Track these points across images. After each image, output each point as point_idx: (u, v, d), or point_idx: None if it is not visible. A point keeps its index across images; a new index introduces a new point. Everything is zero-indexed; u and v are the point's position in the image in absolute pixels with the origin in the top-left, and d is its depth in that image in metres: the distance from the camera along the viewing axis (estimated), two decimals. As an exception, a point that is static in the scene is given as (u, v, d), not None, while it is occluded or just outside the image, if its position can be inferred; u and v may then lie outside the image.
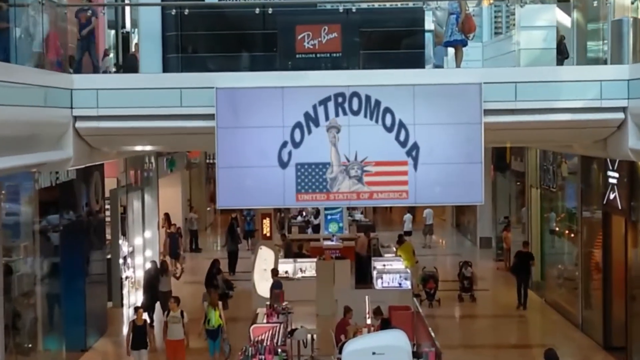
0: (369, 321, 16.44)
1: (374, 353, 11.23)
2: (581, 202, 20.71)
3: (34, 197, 16.49)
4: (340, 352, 13.51)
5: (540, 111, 12.79)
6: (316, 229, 31.73)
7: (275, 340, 15.52)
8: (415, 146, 12.54)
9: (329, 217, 29.86)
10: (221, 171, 12.61)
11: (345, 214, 30.74)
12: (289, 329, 17.32)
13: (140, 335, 16.78)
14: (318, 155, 12.58)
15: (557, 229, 23.41)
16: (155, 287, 21.17)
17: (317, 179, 12.62)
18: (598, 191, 19.33)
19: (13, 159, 11.06)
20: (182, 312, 17.02)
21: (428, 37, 15.37)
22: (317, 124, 12.55)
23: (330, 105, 12.52)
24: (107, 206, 22.75)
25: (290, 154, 12.59)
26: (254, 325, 17.00)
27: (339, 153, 12.59)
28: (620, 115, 12.81)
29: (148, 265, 22.78)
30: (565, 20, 15.57)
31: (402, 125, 12.53)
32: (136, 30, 15.97)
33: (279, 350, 15.01)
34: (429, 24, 15.69)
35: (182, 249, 28.09)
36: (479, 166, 12.62)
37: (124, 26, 19.95)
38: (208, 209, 39.79)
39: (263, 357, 14.45)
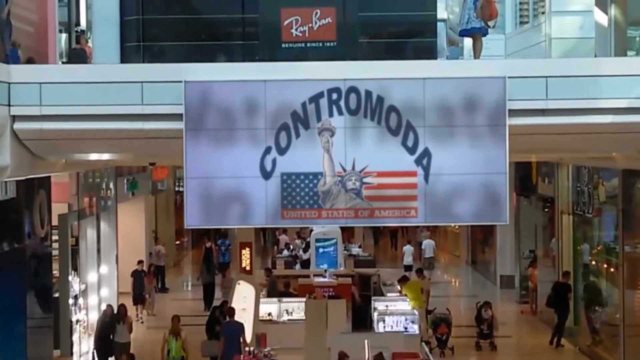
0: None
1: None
2: (623, 229, 20.28)
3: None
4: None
5: (577, 112, 12.42)
6: (305, 264, 31.01)
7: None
8: (427, 153, 12.17)
9: (320, 250, 29.34)
10: (190, 182, 12.21)
11: (341, 248, 30.23)
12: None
13: None
14: (308, 163, 12.19)
15: (593, 262, 22.96)
16: (109, 337, 20.32)
17: (307, 193, 12.22)
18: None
19: None
20: None
21: (441, 26, 15.05)
22: (307, 126, 12.16)
23: (323, 103, 12.13)
24: (54, 236, 22.27)
25: (274, 162, 12.20)
26: (230, 376, 16.50)
27: (333, 161, 12.19)
28: (670, 117, 12.49)
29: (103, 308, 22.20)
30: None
31: (410, 127, 12.15)
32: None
33: (260, 403, 14.50)
34: (441, 12, 15.36)
35: (148, 292, 27.34)
36: (503, 177, 12.24)
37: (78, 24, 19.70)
38: (177, 242, 39.25)
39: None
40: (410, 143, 12.13)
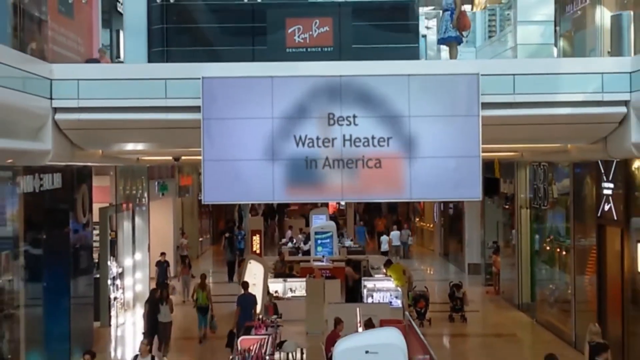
0: (360, 333, 15.19)
1: (367, 352, 10.01)
2: (574, 216, 19.59)
3: (19, 204, 15.28)
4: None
5: (540, 104, 11.86)
6: (306, 254, 30.47)
7: (263, 351, 14.25)
8: (411, 139, 11.48)
9: (318, 241, 28.73)
10: (207, 164, 11.50)
11: (335, 239, 29.68)
12: (277, 342, 16.06)
13: None
14: (309, 148, 11.49)
15: (548, 248, 22.25)
16: (155, 317, 19.05)
17: (309, 173, 11.50)
18: (591, 205, 18.27)
19: None
20: (152, 358, 13.61)
21: (422, 41, 14.43)
22: (308, 116, 11.47)
23: (323, 95, 11.44)
24: (95, 226, 21.64)
25: (280, 146, 11.49)
26: (242, 337, 15.71)
27: (333, 146, 11.49)
28: (623, 110, 11.85)
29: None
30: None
31: (397, 117, 11.47)
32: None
33: (267, 358, 13.73)
34: (422, 29, 14.74)
35: (185, 281, 26.36)
36: (476, 160, 11.60)
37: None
38: (200, 239, 38.50)
39: (250, 366, 13.23)
40: (397, 130, 11.45)
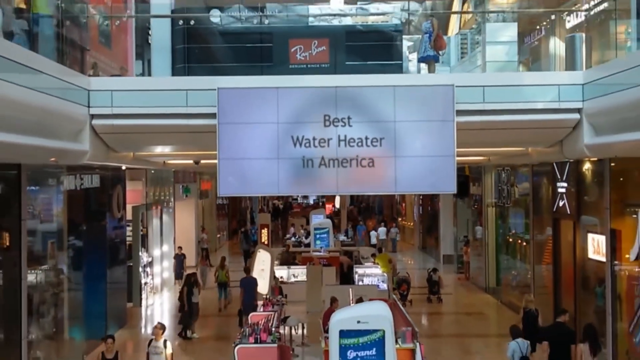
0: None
1: (358, 322, 9.67)
2: (533, 212, 19.26)
3: (63, 201, 14.95)
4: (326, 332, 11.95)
5: (506, 112, 11.53)
6: (307, 247, 30.09)
7: (270, 325, 13.90)
8: (396, 141, 11.15)
9: (317, 236, 28.34)
10: (222, 162, 11.17)
11: (332, 234, 29.31)
12: (282, 317, 15.72)
13: None
14: (310, 148, 11.17)
15: (510, 240, 21.90)
16: (190, 299, 18.56)
17: (310, 170, 11.17)
18: (548, 202, 17.93)
19: (38, 139, 9.77)
20: (165, 342, 12.35)
21: (406, 51, 14.10)
22: (309, 121, 11.14)
23: (321, 103, 11.12)
24: (129, 223, 21.30)
25: (284, 147, 11.15)
26: (252, 314, 15.38)
27: (329, 147, 11.15)
28: (576, 116, 11.55)
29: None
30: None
31: (384, 122, 11.15)
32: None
33: (273, 329, 13.38)
34: (405, 49, 14.42)
35: (202, 271, 25.90)
36: (452, 159, 11.25)
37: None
38: (218, 235, 38.06)
39: (258, 336, 12.84)
40: (384, 134, 11.14)
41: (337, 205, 46.54)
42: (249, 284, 18.11)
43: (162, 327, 12.41)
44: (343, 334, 9.69)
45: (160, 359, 11.92)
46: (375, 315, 9.72)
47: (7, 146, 9.03)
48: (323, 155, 11.06)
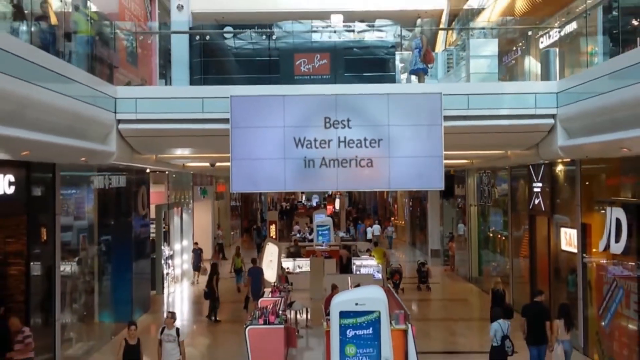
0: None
1: (356, 304, 9.46)
2: (511, 210, 19.04)
3: (94, 199, 14.78)
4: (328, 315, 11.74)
5: (487, 117, 11.40)
6: (310, 242, 29.86)
7: (277, 308, 13.69)
8: (390, 142, 10.98)
9: (319, 232, 28.13)
10: (234, 162, 11.00)
11: (332, 231, 29.10)
12: (288, 302, 15.51)
13: (133, 357, 10.77)
14: (313, 150, 11.02)
15: (491, 235, 21.66)
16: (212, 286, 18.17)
17: (313, 169, 10.99)
18: (524, 200, 17.72)
19: (70, 140, 9.67)
20: (177, 330, 11.19)
21: (398, 72, 13.91)
22: (312, 125, 10.96)
23: (323, 109, 10.95)
24: (152, 221, 21.10)
25: (290, 148, 10.98)
26: (262, 299, 15.17)
27: (330, 148, 10.98)
28: (551, 121, 11.39)
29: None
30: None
31: (379, 126, 10.98)
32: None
33: (280, 312, 13.17)
34: (397, 63, 14.23)
35: (203, 262, 25.62)
36: (440, 159, 11.07)
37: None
38: (232, 233, 37.78)
39: (267, 318, 12.63)
40: (379, 136, 10.97)
41: (337, 207, 46.33)
42: (256, 273, 17.94)
43: (172, 315, 11.42)
44: (343, 314, 9.48)
45: (173, 347, 10.95)
46: (372, 297, 9.51)
47: (45, 145, 8.93)
48: (325, 156, 10.87)
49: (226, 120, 11.03)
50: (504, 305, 14.14)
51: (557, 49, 12.01)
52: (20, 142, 8.21)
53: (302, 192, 65.09)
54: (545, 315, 11.99)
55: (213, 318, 17.69)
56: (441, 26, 21.62)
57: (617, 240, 12.19)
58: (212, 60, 12.61)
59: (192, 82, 12.41)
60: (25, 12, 9.07)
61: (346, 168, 10.89)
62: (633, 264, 11.78)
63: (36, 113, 8.17)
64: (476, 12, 19.99)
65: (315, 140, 10.84)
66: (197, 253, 25.08)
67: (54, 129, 8.92)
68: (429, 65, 12.82)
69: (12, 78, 7.28)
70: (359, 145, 10.93)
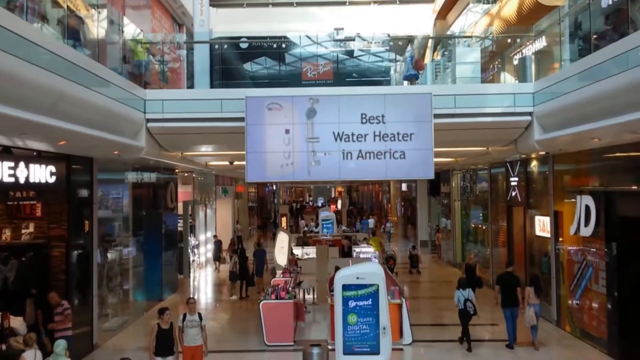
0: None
1: (357, 278, 8.97)
2: (490, 203, 18.51)
3: (129, 193, 14.33)
4: (332, 291, 11.25)
5: (472, 115, 10.93)
6: (316, 234, 29.32)
7: (288, 286, 13.20)
8: (388, 137, 10.51)
9: (324, 225, 27.60)
10: (249, 155, 10.54)
11: (335, 224, 28.57)
12: (297, 281, 15.01)
13: (166, 340, 9.21)
14: (320, 143, 10.57)
15: (473, 226, 21.10)
16: (236, 272, 17.46)
17: (320, 161, 10.53)
18: (503, 194, 17.19)
19: (106, 134, 9.33)
20: (199, 315, 9.64)
21: (393, 78, 13.45)
22: (318, 122, 10.51)
23: (329, 108, 10.51)
24: (180, 216, 20.66)
25: (299, 142, 10.51)
26: (274, 279, 14.69)
27: (335, 142, 10.53)
28: (528, 118, 10.91)
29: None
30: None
31: (378, 122, 10.51)
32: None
33: (290, 289, 12.67)
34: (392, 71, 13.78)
35: (225, 252, 25.02)
36: (430, 152, 10.60)
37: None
38: (250, 228, 37.25)
39: (279, 294, 12.14)
40: (378, 131, 10.49)
41: (339, 206, 45.82)
42: (260, 254, 17.67)
43: (194, 301, 9.76)
44: (345, 287, 9.00)
45: (197, 332, 9.48)
46: (371, 272, 9.03)
47: (84, 136, 8.55)
48: (331, 149, 10.42)
49: (242, 119, 10.60)
50: (475, 277, 14.49)
51: (533, 55, 11.52)
52: (59, 131, 7.80)
53: (310, 195, 64.46)
54: (515, 282, 12.02)
55: (243, 295, 17.21)
56: (428, 50, 21.19)
57: (586, 224, 11.69)
58: (229, 67, 12.21)
59: (213, 86, 12.01)
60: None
61: (350, 160, 10.42)
62: (601, 244, 11.27)
63: (73, 108, 7.77)
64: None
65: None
66: (217, 244, 24.61)
67: (91, 123, 8.54)
68: (420, 72, 12.38)
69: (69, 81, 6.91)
70: (362, 139, 10.47)
